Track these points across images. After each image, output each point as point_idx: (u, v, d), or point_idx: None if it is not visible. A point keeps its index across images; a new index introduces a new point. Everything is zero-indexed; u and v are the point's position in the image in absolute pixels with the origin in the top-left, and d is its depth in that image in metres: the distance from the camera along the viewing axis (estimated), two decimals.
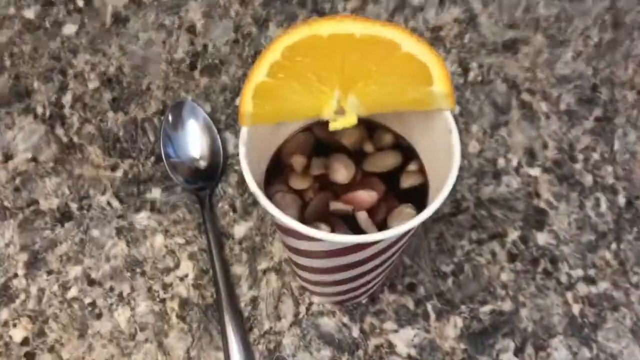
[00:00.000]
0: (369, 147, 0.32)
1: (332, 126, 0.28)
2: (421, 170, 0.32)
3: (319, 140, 0.33)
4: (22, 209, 0.41)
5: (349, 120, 0.28)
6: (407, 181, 0.31)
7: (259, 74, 0.28)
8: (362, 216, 0.30)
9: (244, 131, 0.28)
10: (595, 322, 0.38)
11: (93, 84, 0.47)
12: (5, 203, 0.42)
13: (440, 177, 0.29)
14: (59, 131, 0.45)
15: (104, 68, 0.47)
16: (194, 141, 0.42)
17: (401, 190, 0.31)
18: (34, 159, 0.43)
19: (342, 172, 0.31)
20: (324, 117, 0.28)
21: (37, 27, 0.49)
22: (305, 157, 0.32)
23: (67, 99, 0.46)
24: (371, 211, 0.30)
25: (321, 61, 0.28)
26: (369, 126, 0.33)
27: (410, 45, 0.28)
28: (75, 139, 0.44)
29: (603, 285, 0.39)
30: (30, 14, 0.50)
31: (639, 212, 0.41)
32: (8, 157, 0.43)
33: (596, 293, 0.39)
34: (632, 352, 0.37)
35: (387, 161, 0.32)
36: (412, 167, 0.32)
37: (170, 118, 0.42)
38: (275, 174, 0.32)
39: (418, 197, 0.31)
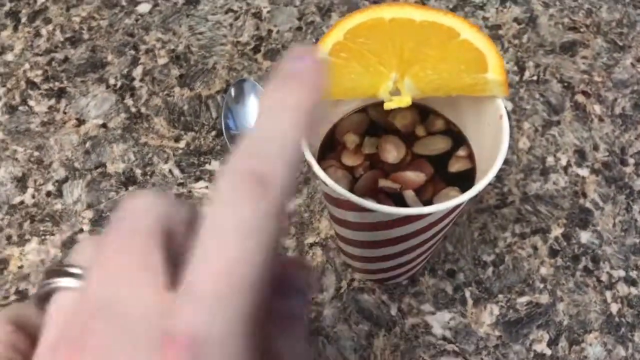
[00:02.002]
0: (420, 131, 0.34)
1: (387, 105, 0.30)
2: (469, 156, 0.33)
3: (372, 121, 0.34)
4: (91, 170, 0.45)
5: (403, 100, 0.30)
6: (455, 165, 0.33)
7: (322, 52, 0.30)
8: (409, 194, 0.31)
9: None
10: (633, 323, 0.38)
11: (162, 60, 0.49)
12: (76, 164, 0.45)
13: (488, 164, 0.30)
14: (129, 101, 0.48)
15: (173, 46, 0.50)
16: (253, 115, 0.44)
17: (449, 174, 0.32)
18: (104, 125, 0.46)
19: (392, 152, 0.33)
20: (380, 96, 0.30)
21: (114, 4, 0.53)
22: (359, 136, 0.34)
23: (137, 72, 0.49)
24: (418, 191, 0.32)
25: (381, 43, 0.30)
26: (421, 110, 0.34)
27: (469, 33, 0.29)
28: (143, 110, 0.47)
29: None
30: None
31: None
32: (81, 122, 0.47)
33: (636, 294, 0.39)
34: None
35: (437, 145, 0.33)
36: (461, 152, 0.33)
37: (232, 93, 0.45)
38: (329, 150, 0.34)
39: (465, 182, 0.32)
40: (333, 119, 0.34)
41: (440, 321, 0.38)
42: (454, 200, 0.27)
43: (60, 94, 0.48)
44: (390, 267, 0.36)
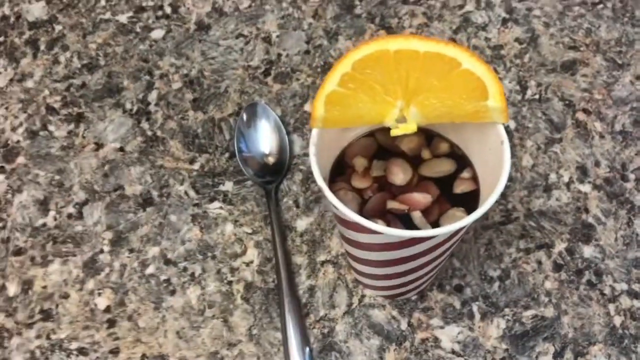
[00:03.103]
0: (426, 154, 0.35)
1: (394, 132, 0.31)
2: (474, 178, 0.34)
3: (380, 145, 0.36)
4: (110, 192, 0.46)
5: (409, 127, 0.31)
6: (460, 187, 0.34)
7: (331, 83, 0.32)
8: (417, 215, 0.33)
9: (314, 133, 0.32)
10: (637, 335, 0.39)
11: (176, 85, 0.51)
12: (95, 187, 0.47)
13: (491, 186, 0.32)
14: (145, 125, 0.49)
15: (186, 71, 0.52)
16: (264, 138, 0.46)
17: (454, 195, 0.34)
18: (122, 149, 0.48)
19: (400, 174, 0.35)
20: (386, 124, 0.32)
21: (129, 30, 0.55)
22: (367, 159, 0.35)
23: (152, 97, 0.51)
24: (425, 212, 0.33)
25: (387, 74, 0.31)
26: (427, 134, 0.36)
27: (470, 63, 0.31)
28: (159, 133, 0.49)
29: None
30: (123, 18, 0.55)
31: None
32: (99, 146, 0.49)
33: (639, 307, 0.40)
34: None
35: (443, 167, 0.35)
36: (466, 174, 0.35)
37: (244, 117, 0.46)
38: (339, 173, 0.35)
39: (469, 203, 0.34)
40: (342, 144, 0.36)
41: (449, 335, 0.40)
42: (457, 223, 0.29)
43: (79, 118, 0.50)
44: (399, 284, 0.37)
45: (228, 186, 0.46)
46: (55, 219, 0.45)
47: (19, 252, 0.44)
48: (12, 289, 0.43)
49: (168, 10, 0.56)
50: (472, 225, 0.43)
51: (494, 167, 0.32)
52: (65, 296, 0.42)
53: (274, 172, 0.45)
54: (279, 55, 0.53)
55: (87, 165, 0.48)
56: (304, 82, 0.51)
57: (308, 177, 0.46)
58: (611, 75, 0.50)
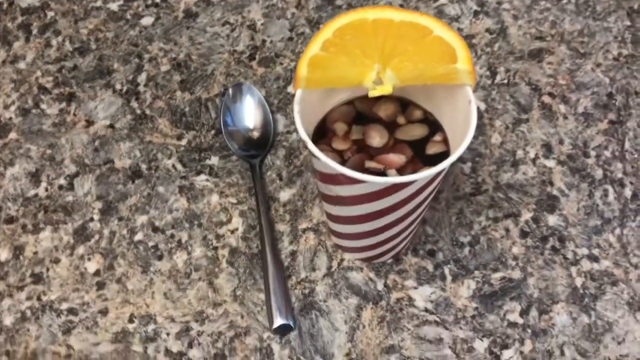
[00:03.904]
0: (401, 119, 0.38)
1: (371, 93, 0.34)
2: (444, 141, 0.37)
3: (359, 112, 0.39)
4: (100, 166, 0.48)
5: (385, 89, 0.34)
6: (432, 149, 0.37)
7: (314, 47, 0.34)
8: (392, 173, 0.36)
9: (298, 93, 0.34)
10: (595, 294, 0.42)
11: (165, 67, 0.54)
12: (86, 160, 0.49)
13: (458, 144, 0.35)
14: (134, 104, 0.52)
15: (174, 55, 0.54)
16: (249, 114, 0.48)
17: (426, 156, 0.37)
18: (112, 126, 0.50)
19: (377, 138, 0.37)
20: (365, 85, 0.34)
21: (119, 17, 0.57)
22: (347, 124, 0.38)
23: (141, 78, 0.53)
24: (400, 171, 0.36)
25: (366, 40, 0.34)
26: (402, 102, 0.39)
27: (441, 31, 0.34)
28: (147, 112, 0.51)
29: (605, 264, 0.43)
30: (114, 6, 0.58)
31: None
32: (90, 123, 0.51)
33: (598, 269, 0.43)
34: (627, 321, 0.41)
35: (416, 131, 0.38)
36: (437, 137, 0.37)
37: (230, 93, 0.49)
38: (320, 136, 0.38)
39: (440, 163, 0.36)
40: (324, 110, 0.38)
41: (422, 295, 0.42)
42: (433, 169, 0.31)
43: (70, 98, 0.52)
44: (377, 242, 0.40)
45: (214, 160, 0.48)
46: (46, 190, 0.47)
47: (10, 220, 0.46)
48: (4, 254, 0.44)
49: None
50: (444, 195, 0.46)
51: (463, 128, 0.35)
52: (56, 261, 0.44)
53: (258, 147, 0.48)
54: (264, 41, 0.55)
55: (78, 140, 0.50)
56: (287, 67, 0.54)
57: (291, 153, 0.49)
58: (574, 63, 0.53)
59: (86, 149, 0.49)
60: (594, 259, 0.44)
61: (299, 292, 0.42)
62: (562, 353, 0.40)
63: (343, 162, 0.37)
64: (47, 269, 0.44)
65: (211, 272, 0.43)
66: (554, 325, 0.41)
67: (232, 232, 0.45)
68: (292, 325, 0.40)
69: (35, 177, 0.48)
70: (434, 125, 0.38)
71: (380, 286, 0.42)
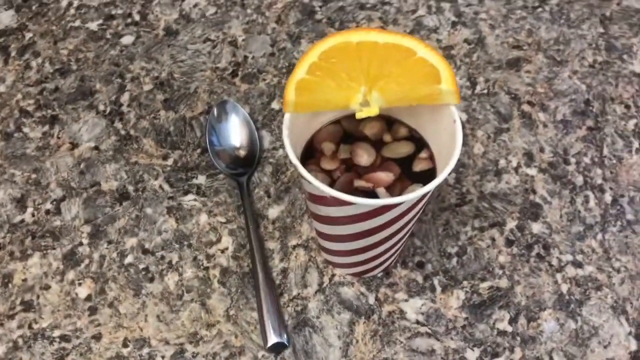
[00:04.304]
0: (387, 137, 0.39)
1: (358, 115, 0.35)
2: (430, 158, 0.38)
3: (345, 131, 0.39)
4: (86, 189, 0.48)
5: (372, 111, 0.35)
6: (419, 166, 0.38)
7: (301, 71, 0.35)
8: (382, 191, 0.36)
9: (286, 117, 0.35)
10: (581, 299, 0.43)
11: (147, 87, 0.54)
12: (72, 184, 0.48)
13: (446, 163, 0.35)
14: (118, 125, 0.51)
15: (157, 73, 0.54)
16: (235, 132, 0.49)
17: (413, 173, 0.37)
18: (96, 148, 0.50)
19: (364, 156, 0.38)
20: (351, 107, 0.35)
21: (99, 37, 0.57)
22: (334, 144, 0.39)
23: (124, 98, 0.53)
24: (388, 189, 0.37)
25: (351, 63, 0.35)
26: (387, 120, 0.39)
27: (424, 52, 0.34)
28: (132, 132, 0.51)
29: (589, 269, 0.44)
30: (93, 26, 0.58)
31: (623, 208, 0.47)
32: (74, 146, 0.50)
33: (582, 275, 0.44)
34: (612, 325, 0.42)
35: (402, 149, 0.38)
36: (423, 154, 0.38)
37: (215, 112, 0.49)
38: (308, 157, 0.38)
39: (427, 179, 0.37)
40: (311, 131, 0.39)
41: (413, 307, 0.43)
42: (420, 190, 0.32)
43: (53, 120, 0.52)
44: (367, 259, 0.40)
45: (201, 180, 0.49)
46: (33, 215, 0.47)
47: None
48: None
49: (137, 17, 0.58)
50: (430, 207, 0.47)
51: (448, 146, 0.36)
52: (46, 287, 0.44)
53: (245, 165, 0.48)
54: (245, 57, 0.55)
55: (63, 163, 0.49)
56: (270, 82, 0.54)
57: (277, 169, 0.49)
58: (552, 71, 0.55)
59: (72, 172, 0.49)
60: (578, 265, 0.45)
61: (291, 309, 0.43)
62: (551, 359, 0.41)
63: (332, 182, 0.37)
64: (38, 296, 0.44)
65: (203, 292, 0.43)
66: (542, 332, 0.42)
67: (223, 251, 0.45)
68: (286, 343, 0.41)
69: (21, 203, 0.48)
70: (419, 143, 0.39)
71: (371, 300, 0.43)
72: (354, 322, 0.42)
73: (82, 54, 0.56)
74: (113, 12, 0.59)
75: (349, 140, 0.39)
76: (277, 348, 0.41)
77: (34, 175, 0.49)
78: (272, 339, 0.40)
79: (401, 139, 0.39)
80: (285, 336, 0.41)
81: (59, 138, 0.51)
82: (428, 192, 0.33)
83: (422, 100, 0.35)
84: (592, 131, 0.51)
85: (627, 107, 0.53)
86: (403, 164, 0.38)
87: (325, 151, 0.38)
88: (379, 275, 0.44)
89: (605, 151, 0.50)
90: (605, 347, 0.41)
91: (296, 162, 0.33)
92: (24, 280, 0.44)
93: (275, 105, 0.53)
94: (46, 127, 0.51)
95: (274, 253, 0.45)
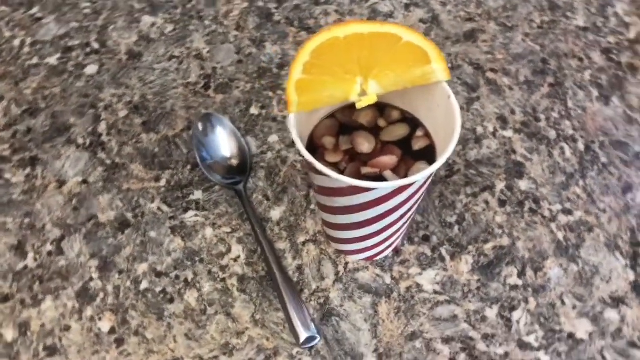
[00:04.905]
0: (382, 123, 0.40)
1: (359, 105, 0.36)
2: (427, 135, 0.40)
3: (342, 124, 0.41)
4: (84, 224, 0.48)
5: (370, 99, 0.36)
6: (417, 144, 0.40)
7: (296, 72, 0.36)
8: (389, 174, 0.38)
9: (292, 117, 0.36)
10: (577, 243, 0.46)
11: (123, 113, 0.53)
12: (68, 221, 0.48)
13: (443, 137, 0.38)
14: (102, 155, 0.51)
15: (129, 98, 0.54)
16: (224, 143, 0.49)
17: (414, 152, 0.39)
18: (85, 182, 0.50)
19: (365, 144, 0.39)
20: (351, 99, 0.36)
21: (61, 71, 0.56)
22: (334, 137, 0.40)
23: (102, 128, 0.53)
24: (394, 171, 0.38)
25: (342, 57, 0.36)
26: (378, 106, 0.41)
27: (409, 36, 0.36)
28: (118, 160, 0.51)
29: (578, 214, 0.48)
30: (53, 61, 0.57)
31: (597, 153, 0.51)
32: (62, 183, 0.50)
33: (574, 221, 0.47)
34: (609, 261, 0.46)
35: (399, 131, 0.40)
36: (419, 133, 0.40)
37: (200, 127, 0.50)
38: (311, 153, 0.40)
39: (428, 156, 0.39)
40: (309, 128, 0.40)
41: (428, 279, 0.45)
42: (433, 165, 0.34)
43: (33, 162, 0.51)
44: (379, 242, 0.42)
45: (198, 195, 0.49)
46: (35, 260, 0.46)
47: (6, 298, 0.45)
48: (9, 334, 0.43)
49: (96, 45, 0.58)
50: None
51: (443, 121, 0.38)
52: (66, 328, 0.44)
53: (238, 173, 0.49)
54: (214, 68, 0.56)
55: (54, 203, 0.49)
56: (244, 89, 0.55)
57: (270, 172, 0.50)
58: (506, 37, 0.58)
59: (65, 209, 0.48)
60: (568, 212, 0.48)
61: (314, 302, 0.44)
62: (563, 303, 0.44)
63: (340, 173, 0.38)
64: (60, 339, 0.43)
65: (226, 303, 0.44)
66: (549, 280, 0.45)
67: (235, 260, 0.46)
68: (317, 335, 0.42)
69: (19, 250, 0.47)
70: (413, 123, 0.41)
71: (388, 280, 0.45)
72: (377, 304, 0.44)
73: (48, 91, 0.55)
74: (69, 44, 0.58)
75: (346, 131, 0.40)
76: (310, 342, 0.42)
77: (27, 220, 0.48)
78: (304, 334, 0.42)
79: (395, 122, 0.41)
80: (315, 329, 0.42)
81: (43, 178, 0.50)
82: (439, 167, 0.35)
83: (415, 81, 0.36)
84: (554, 87, 0.55)
85: (580, 59, 0.56)
86: (402, 146, 0.39)
87: (327, 145, 0.40)
88: (390, 255, 0.46)
89: (570, 103, 0.53)
90: (607, 282, 0.45)
91: (312, 159, 0.34)
92: (42, 325, 0.44)
93: (253, 110, 0.53)
94: (28, 170, 0.50)
95: (286, 253, 0.46)
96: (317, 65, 0.36)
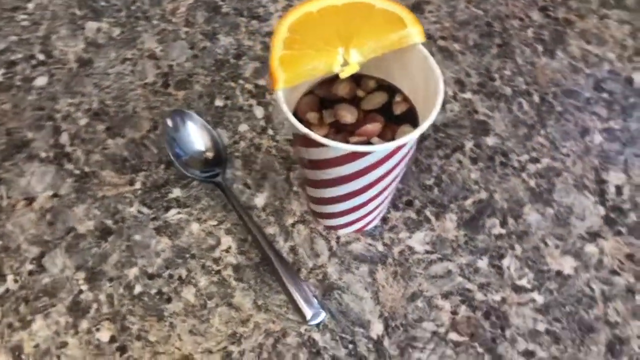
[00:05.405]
0: (360, 93, 0.41)
1: (342, 75, 0.37)
2: (405, 99, 0.41)
3: (321, 98, 0.41)
4: (63, 237, 0.46)
5: (352, 68, 0.37)
6: (398, 109, 0.41)
7: (278, 49, 0.36)
8: (376, 140, 0.39)
9: (279, 94, 0.36)
10: (549, 188, 0.49)
11: (83, 121, 0.52)
12: (45, 237, 0.46)
13: (423, 98, 0.39)
14: (69, 166, 0.49)
15: (87, 106, 0.53)
16: (197, 137, 0.49)
17: (396, 117, 0.40)
18: (56, 195, 0.48)
19: (348, 115, 0.40)
20: (335, 70, 0.37)
21: (8, 86, 0.54)
22: (317, 112, 0.40)
23: (64, 139, 0.51)
24: (380, 137, 0.39)
25: (320, 29, 0.37)
26: (354, 78, 0.42)
27: (381, 3, 0.37)
28: (87, 169, 0.49)
29: (545, 161, 0.50)
30: None
31: (551, 104, 0.54)
32: (31, 200, 0.48)
33: (542, 167, 0.50)
34: (580, 200, 0.48)
35: (378, 99, 0.41)
36: (398, 98, 0.41)
37: (170, 125, 0.49)
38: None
39: (410, 119, 0.40)
40: (292, 106, 0.41)
41: (418, 241, 0.46)
42: (424, 124, 0.35)
43: None
44: (368, 212, 0.43)
45: (177, 192, 0.48)
46: (16, 281, 0.44)
47: None
48: None
49: (41, 57, 0.55)
50: None
51: (421, 82, 0.39)
52: (63, 345, 0.42)
53: (215, 165, 0.48)
54: (170, 66, 0.55)
55: (26, 221, 0.47)
56: (204, 82, 0.54)
57: (246, 160, 0.50)
58: (450, 6, 0.60)
59: (39, 226, 0.47)
60: (535, 160, 0.50)
61: (314, 280, 0.44)
62: (546, 244, 0.46)
63: None
64: (58, 357, 0.41)
65: (225, 294, 0.44)
66: (530, 225, 0.47)
67: (227, 251, 0.46)
68: (322, 310, 0.42)
69: None
70: (390, 89, 0.42)
71: (380, 247, 0.46)
72: (374, 271, 0.45)
73: None
74: (12, 57, 0.55)
75: (327, 105, 0.41)
76: (315, 318, 0.42)
77: None
78: (309, 312, 0.42)
79: (373, 90, 0.42)
80: (318, 305, 0.42)
81: (9, 198, 0.48)
82: (431, 123, 0.36)
83: (394, 45, 0.37)
84: (502, 47, 0.57)
85: (521, 19, 0.59)
86: (384, 112, 0.41)
87: (311, 120, 0.40)
88: (378, 224, 0.47)
89: (519, 61, 0.56)
90: (582, 220, 0.48)
91: (310, 132, 0.35)
92: (36, 346, 0.42)
93: (218, 102, 0.53)
94: None
95: (276, 236, 0.46)
96: (297, 40, 0.36)
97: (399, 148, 0.36)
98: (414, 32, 0.37)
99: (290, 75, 0.36)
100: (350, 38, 0.37)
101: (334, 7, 0.37)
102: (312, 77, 0.38)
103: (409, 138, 0.35)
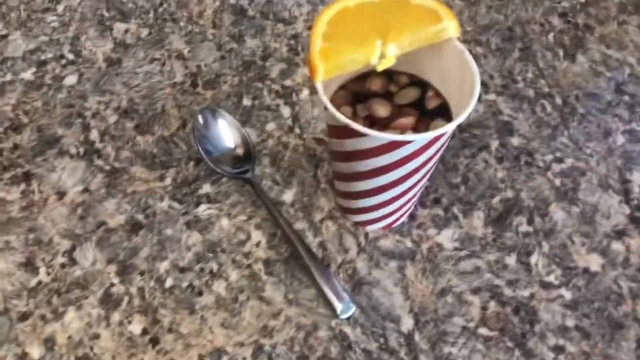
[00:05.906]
0: (393, 88, 0.42)
1: (379, 68, 0.38)
2: (437, 94, 0.42)
3: (354, 93, 0.42)
4: (94, 231, 0.46)
5: (389, 61, 0.38)
6: (431, 104, 0.41)
7: (317, 42, 0.37)
8: (410, 134, 0.39)
9: (319, 86, 0.37)
10: (574, 187, 0.49)
11: (112, 118, 0.52)
12: (76, 231, 0.46)
13: (457, 92, 0.40)
14: (99, 162, 0.50)
15: (116, 104, 0.53)
16: (227, 134, 0.49)
17: (429, 111, 0.41)
18: (86, 190, 0.48)
19: (382, 109, 0.41)
20: (372, 62, 0.38)
21: (39, 85, 0.54)
22: (350, 106, 0.41)
23: (94, 135, 0.51)
24: (414, 130, 0.40)
25: (357, 23, 0.38)
26: (386, 73, 0.42)
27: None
28: (117, 165, 0.50)
29: (569, 161, 0.51)
30: (28, 75, 0.55)
31: (574, 106, 0.54)
32: (62, 195, 0.48)
33: (567, 167, 0.51)
34: (605, 199, 0.49)
35: (411, 94, 0.42)
36: (430, 93, 0.42)
37: (201, 122, 0.49)
38: None
39: (443, 113, 0.41)
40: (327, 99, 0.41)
41: (446, 238, 0.47)
42: (460, 117, 0.35)
43: (27, 177, 0.49)
44: (397, 207, 0.43)
45: (207, 188, 0.49)
46: (48, 274, 0.45)
47: (24, 316, 0.43)
48: (35, 352, 0.41)
49: (70, 56, 0.56)
50: None
51: (454, 78, 0.39)
52: (96, 336, 0.42)
53: (245, 162, 0.49)
54: (198, 66, 0.56)
55: (57, 215, 0.47)
56: (232, 83, 0.55)
57: (274, 158, 0.50)
58: (471, 11, 0.61)
59: (71, 220, 0.47)
60: (559, 160, 0.51)
61: (343, 275, 0.45)
62: (572, 242, 0.47)
63: None
64: (91, 348, 0.42)
65: (256, 288, 0.44)
66: (556, 223, 0.48)
67: (257, 245, 0.46)
68: (352, 305, 0.43)
69: (29, 266, 0.45)
70: (421, 85, 0.42)
71: (409, 244, 0.46)
72: (403, 267, 0.45)
73: (28, 105, 0.53)
74: (42, 57, 0.56)
75: (361, 100, 0.41)
76: (346, 312, 0.43)
77: (31, 236, 0.46)
78: (339, 306, 0.42)
79: (405, 86, 0.42)
80: (349, 300, 0.43)
81: (41, 192, 0.48)
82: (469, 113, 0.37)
83: (430, 39, 0.38)
84: (524, 51, 0.58)
85: (541, 25, 0.60)
86: (417, 107, 0.41)
87: (346, 114, 0.41)
88: (406, 221, 0.47)
89: (541, 64, 0.57)
90: (607, 218, 0.48)
91: (351, 122, 0.35)
92: (69, 337, 0.42)
93: (245, 102, 0.54)
94: (22, 186, 0.49)
95: (305, 232, 0.47)
96: (337, 33, 0.37)
97: (436, 139, 0.36)
98: (450, 26, 0.38)
99: (330, 66, 0.37)
100: (387, 32, 0.38)
101: (370, 2, 0.38)
102: (350, 69, 0.38)
103: (448, 127, 0.35)
